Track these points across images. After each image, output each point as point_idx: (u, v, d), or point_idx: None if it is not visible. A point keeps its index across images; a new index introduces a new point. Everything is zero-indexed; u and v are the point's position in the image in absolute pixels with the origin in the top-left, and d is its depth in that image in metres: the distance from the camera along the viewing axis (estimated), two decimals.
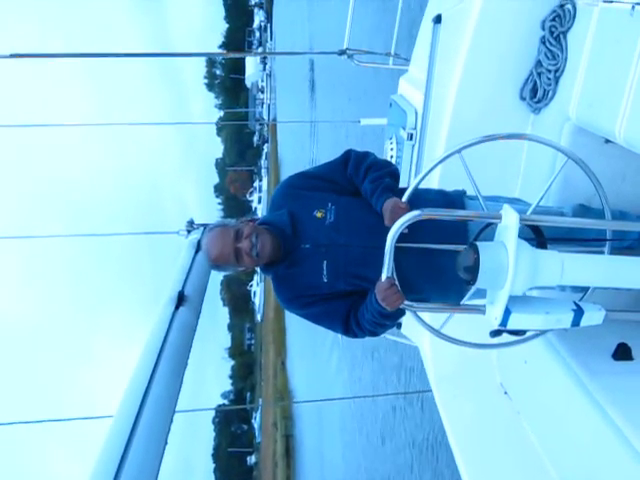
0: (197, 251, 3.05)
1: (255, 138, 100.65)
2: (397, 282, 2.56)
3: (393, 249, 2.48)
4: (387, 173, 2.94)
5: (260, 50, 76.27)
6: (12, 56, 5.38)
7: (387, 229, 2.54)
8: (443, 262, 2.74)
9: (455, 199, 2.98)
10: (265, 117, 75.87)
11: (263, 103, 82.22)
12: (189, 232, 3.89)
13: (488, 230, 2.57)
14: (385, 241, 2.49)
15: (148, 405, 1.94)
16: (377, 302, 2.63)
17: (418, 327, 2.68)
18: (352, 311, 2.93)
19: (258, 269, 3.17)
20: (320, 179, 3.05)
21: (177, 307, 2.53)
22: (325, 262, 2.88)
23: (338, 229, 2.88)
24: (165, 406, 1.98)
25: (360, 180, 2.95)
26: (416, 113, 4.48)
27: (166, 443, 1.88)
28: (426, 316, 2.76)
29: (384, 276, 2.51)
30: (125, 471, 1.67)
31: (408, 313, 2.69)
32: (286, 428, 59.77)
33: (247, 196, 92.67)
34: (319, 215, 2.91)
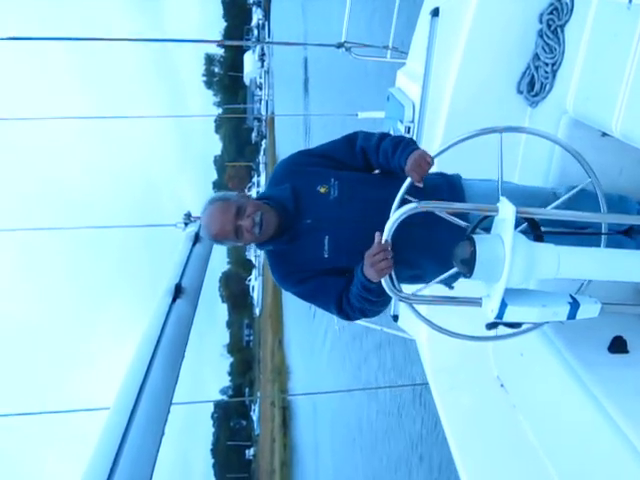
0: (194, 243, 3.06)
1: (253, 135, 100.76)
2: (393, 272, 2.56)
3: (391, 237, 2.48)
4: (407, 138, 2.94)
5: (258, 48, 76.15)
6: (9, 39, 5.37)
7: (391, 204, 2.55)
8: (441, 237, 2.74)
9: (455, 180, 3.05)
10: (263, 113, 75.82)
11: (261, 100, 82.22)
12: (186, 225, 3.90)
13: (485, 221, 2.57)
14: (387, 219, 2.48)
15: (145, 396, 1.94)
16: (361, 272, 2.61)
17: (415, 320, 2.68)
18: (346, 288, 2.87)
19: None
20: (323, 157, 3.03)
21: (174, 299, 2.54)
22: (327, 237, 2.85)
23: (342, 204, 2.86)
24: (162, 397, 1.98)
25: (374, 146, 2.93)
26: (413, 106, 4.48)
27: (163, 434, 1.89)
28: (423, 308, 2.76)
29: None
30: (122, 461, 1.67)
31: (404, 305, 2.69)
32: (284, 409, 60.19)
33: (246, 191, 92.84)
34: (323, 190, 2.89)
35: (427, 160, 2.63)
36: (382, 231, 2.49)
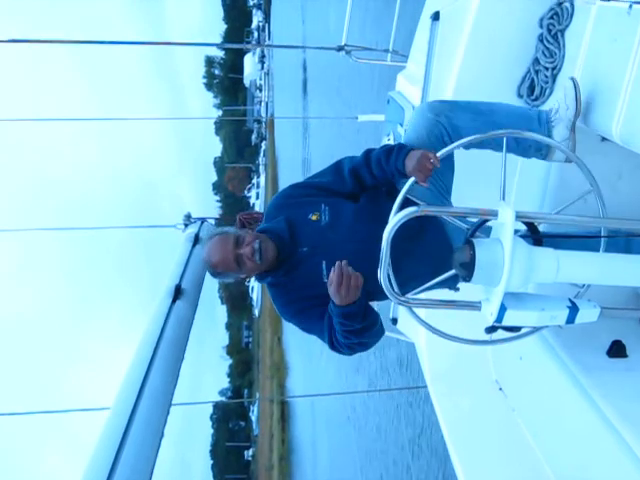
0: (194, 244, 3.07)
1: (253, 136, 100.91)
2: (392, 275, 2.56)
3: (389, 245, 2.48)
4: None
5: (258, 51, 76.34)
6: (10, 41, 5.38)
7: (381, 224, 2.52)
8: (431, 242, 2.86)
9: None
10: (263, 115, 75.98)
11: (261, 101, 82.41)
12: (186, 226, 3.90)
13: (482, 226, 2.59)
14: (380, 235, 2.48)
15: (145, 397, 1.95)
16: (333, 304, 2.65)
17: (414, 323, 2.68)
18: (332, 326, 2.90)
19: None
20: (313, 187, 3.09)
21: (174, 300, 2.55)
22: (324, 262, 2.87)
23: (334, 228, 2.91)
24: (162, 398, 1.99)
25: (363, 160, 2.97)
26: (413, 110, 4.49)
27: (162, 435, 1.90)
28: (422, 312, 2.77)
29: (381, 272, 2.50)
30: (122, 461, 1.68)
31: (403, 309, 2.69)
32: (282, 404, 60.32)
33: (245, 192, 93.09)
34: (314, 218, 2.94)
35: (431, 160, 2.66)
36: (376, 248, 2.48)
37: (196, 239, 3.18)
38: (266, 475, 71.37)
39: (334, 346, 2.92)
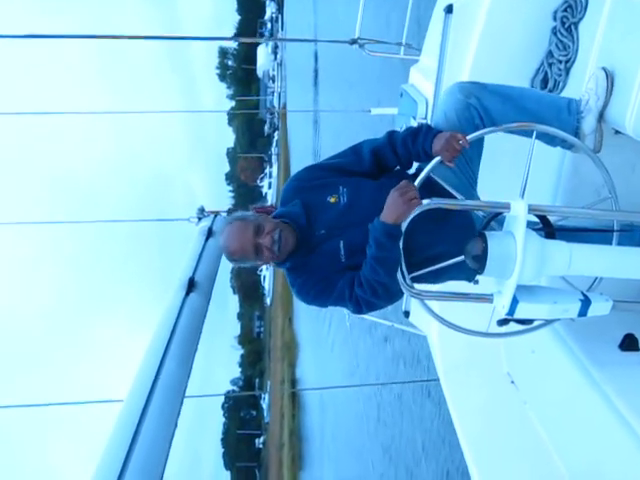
0: (207, 238, 3.08)
1: (266, 127, 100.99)
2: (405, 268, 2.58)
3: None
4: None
5: (271, 42, 76.42)
6: (26, 36, 5.41)
7: None
8: (456, 225, 2.83)
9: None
10: (276, 105, 76.10)
11: (274, 92, 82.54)
12: (200, 219, 3.92)
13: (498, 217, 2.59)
14: None
15: (158, 389, 1.97)
16: (379, 221, 2.62)
17: (426, 316, 2.69)
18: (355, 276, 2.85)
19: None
20: (329, 169, 3.06)
21: (187, 293, 2.56)
22: (342, 242, 2.87)
23: (352, 209, 2.89)
24: (175, 390, 2.01)
25: (386, 140, 2.97)
26: (427, 103, 4.49)
27: (176, 426, 1.92)
28: (434, 304, 2.77)
29: None
30: (135, 452, 1.69)
31: (416, 301, 2.70)
32: (292, 382, 60.74)
33: (258, 182, 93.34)
34: (333, 200, 2.92)
35: (460, 141, 2.68)
36: None
37: (209, 232, 3.19)
38: (277, 455, 71.81)
39: (352, 295, 2.83)
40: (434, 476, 11.60)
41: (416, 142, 2.85)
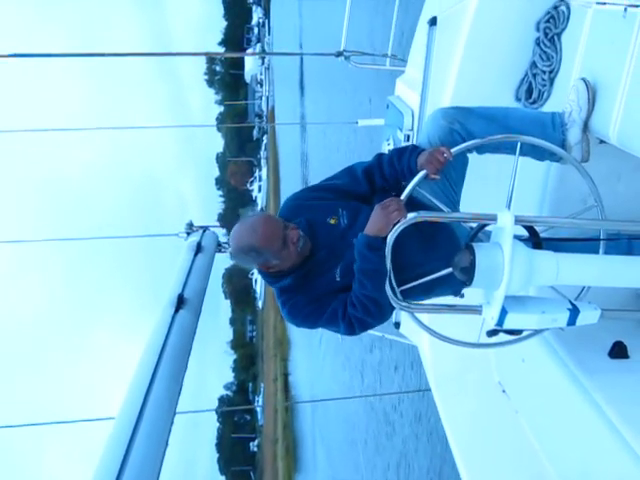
0: (196, 253, 3.07)
1: (255, 132, 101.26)
2: (394, 281, 2.59)
3: (390, 252, 2.54)
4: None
5: (259, 46, 77.03)
6: (11, 56, 5.40)
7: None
8: (442, 242, 2.86)
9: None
10: (264, 109, 76.59)
11: (262, 96, 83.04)
12: (188, 234, 3.90)
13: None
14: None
15: (149, 407, 1.96)
16: (363, 234, 2.67)
17: (416, 327, 2.70)
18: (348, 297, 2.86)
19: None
20: (326, 190, 3.08)
21: (177, 310, 2.55)
22: (340, 264, 2.88)
23: (352, 231, 2.88)
24: (165, 408, 2.00)
25: (376, 161, 3.00)
26: (412, 114, 4.51)
27: (167, 445, 1.91)
28: (424, 316, 2.78)
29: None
30: (127, 472, 1.69)
31: (405, 314, 2.71)
32: (285, 377, 60.78)
33: (247, 185, 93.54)
34: (333, 222, 2.93)
35: (444, 153, 2.70)
36: None
37: (198, 248, 3.17)
38: (271, 450, 71.77)
39: (345, 316, 2.83)
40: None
41: (402, 160, 2.88)
